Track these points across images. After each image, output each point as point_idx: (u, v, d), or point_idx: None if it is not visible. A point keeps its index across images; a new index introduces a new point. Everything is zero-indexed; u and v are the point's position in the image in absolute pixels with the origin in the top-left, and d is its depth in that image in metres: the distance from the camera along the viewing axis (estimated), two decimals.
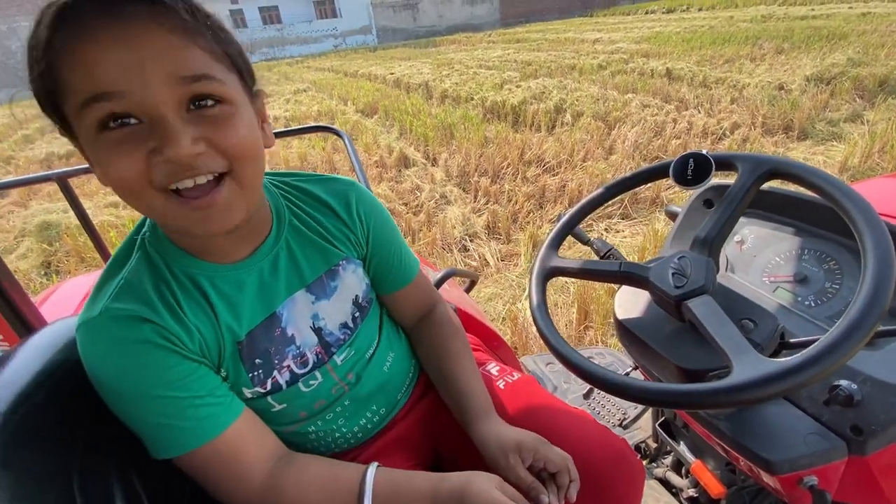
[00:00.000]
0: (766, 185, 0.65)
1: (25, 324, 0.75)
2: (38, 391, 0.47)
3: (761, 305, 0.60)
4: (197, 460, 0.52)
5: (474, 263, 2.96)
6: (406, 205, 3.82)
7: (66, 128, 0.45)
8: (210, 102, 0.44)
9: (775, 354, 0.57)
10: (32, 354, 0.50)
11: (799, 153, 3.95)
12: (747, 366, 0.46)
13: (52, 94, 0.42)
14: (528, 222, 3.29)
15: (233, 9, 27.94)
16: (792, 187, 0.68)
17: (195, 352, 0.53)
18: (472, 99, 6.87)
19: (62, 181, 1.18)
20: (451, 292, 1.24)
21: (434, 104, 7.32)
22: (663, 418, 0.95)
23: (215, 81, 0.44)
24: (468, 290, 1.43)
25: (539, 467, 0.60)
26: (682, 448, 0.89)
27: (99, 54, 0.39)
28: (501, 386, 0.77)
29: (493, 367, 0.83)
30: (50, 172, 1.20)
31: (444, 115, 6.07)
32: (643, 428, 1.26)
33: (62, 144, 7.39)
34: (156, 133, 0.42)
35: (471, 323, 1.09)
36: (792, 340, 0.57)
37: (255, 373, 0.59)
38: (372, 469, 0.56)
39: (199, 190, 0.45)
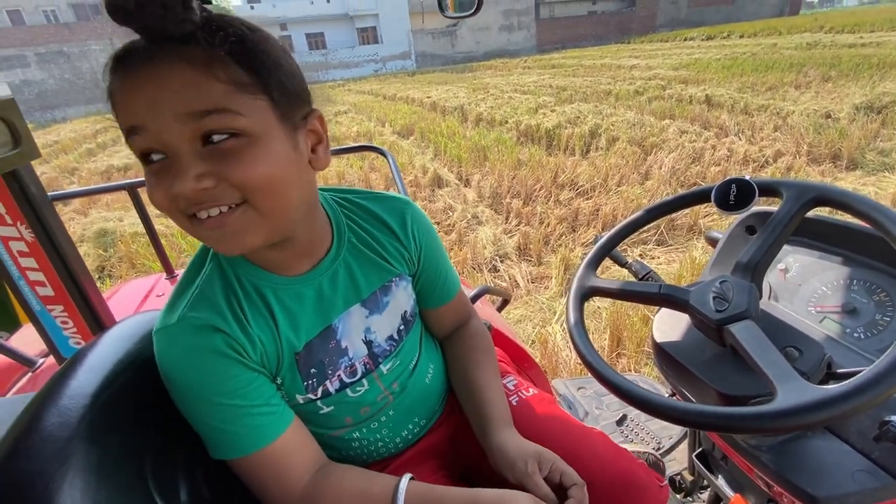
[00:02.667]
0: (811, 213, 0.64)
1: (97, 319, 0.82)
2: (119, 377, 0.52)
3: (806, 334, 0.59)
4: (246, 465, 0.55)
5: (504, 284, 2.96)
6: (438, 224, 3.88)
7: None
8: (224, 136, 0.44)
9: (822, 384, 0.56)
10: (113, 344, 0.56)
11: (848, 183, 3.79)
12: (792, 392, 0.45)
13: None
14: (560, 245, 3.28)
15: (282, 35, 29.70)
16: (839, 215, 0.67)
17: (256, 361, 0.56)
18: (507, 122, 6.96)
19: (132, 190, 1.29)
20: (483, 310, 1.25)
21: (469, 127, 7.46)
22: (700, 449, 0.92)
23: (229, 114, 0.44)
24: (500, 309, 1.44)
25: (555, 480, 0.60)
26: (721, 482, 0.85)
27: (130, 95, 0.43)
28: (514, 402, 0.77)
29: (510, 382, 0.82)
30: (121, 182, 1.31)
31: (478, 138, 6.17)
32: (678, 459, 1.22)
33: (121, 158, 7.93)
34: (172, 168, 0.44)
35: (502, 341, 1.10)
36: (840, 371, 0.56)
37: (310, 381, 0.62)
38: (404, 481, 0.57)
39: (215, 218, 0.46)
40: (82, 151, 9.32)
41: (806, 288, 0.76)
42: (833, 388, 0.44)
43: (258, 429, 0.54)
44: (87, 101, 25.94)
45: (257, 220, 0.47)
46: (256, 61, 0.46)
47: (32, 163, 0.75)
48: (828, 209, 0.62)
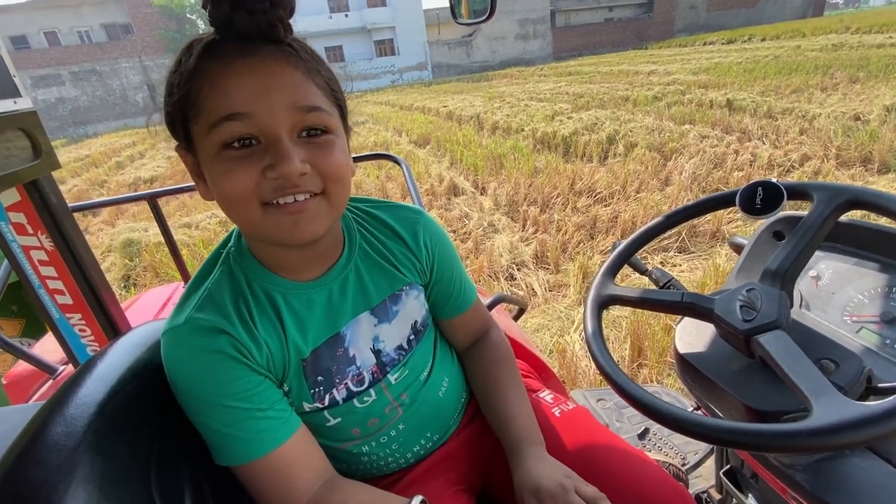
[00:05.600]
0: (845, 217, 0.61)
1: (114, 327, 0.83)
2: (127, 386, 0.52)
3: (842, 345, 0.55)
4: (251, 472, 0.54)
5: (521, 292, 2.93)
6: (454, 232, 3.88)
7: (186, 146, 0.52)
8: (318, 131, 0.51)
9: (862, 399, 0.52)
10: (123, 353, 0.56)
11: (880, 187, 3.64)
12: (830, 408, 0.42)
13: (185, 114, 0.49)
14: (578, 252, 3.23)
15: None
16: (874, 218, 0.63)
17: (262, 365, 0.56)
18: (523, 130, 6.95)
19: (152, 201, 1.32)
20: (500, 319, 1.23)
21: (485, 135, 7.47)
22: (729, 466, 0.87)
23: (324, 113, 0.50)
24: (516, 318, 1.42)
25: None
26: (751, 501, 0.81)
27: (236, 81, 0.46)
28: (557, 413, 0.75)
29: (548, 395, 0.81)
30: (142, 193, 1.34)
31: (494, 146, 6.18)
32: (705, 476, 1.17)
33: (148, 171, 8.19)
34: (271, 152, 0.48)
35: (519, 351, 1.07)
36: (881, 385, 0.52)
37: (316, 389, 0.61)
38: (416, 502, 0.55)
39: (299, 203, 0.50)
40: (111, 165, 9.68)
41: (840, 296, 0.72)
42: (875, 404, 0.40)
43: (263, 433, 0.54)
44: (116, 116, 27.04)
45: (328, 209, 0.53)
46: (331, 76, 0.54)
47: (54, 174, 0.77)
48: (861, 212, 0.58)
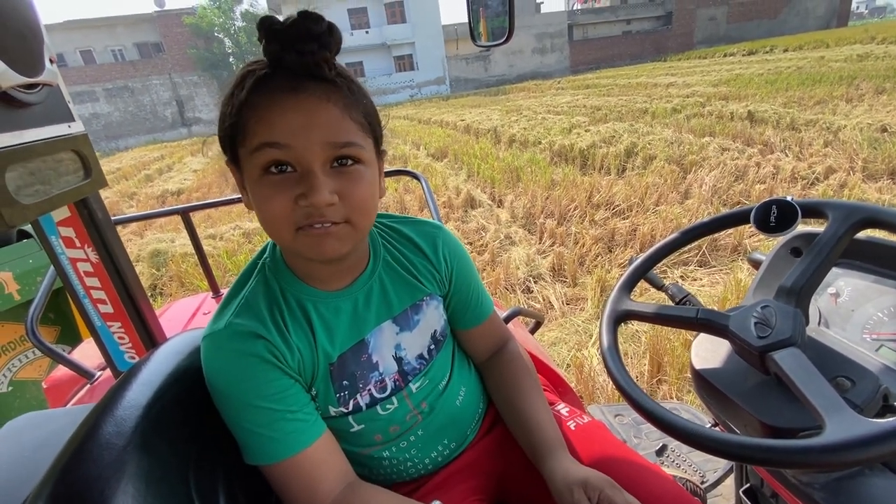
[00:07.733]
0: (864, 234, 0.61)
1: (150, 335, 0.88)
2: (169, 390, 0.55)
3: (860, 363, 0.55)
4: (278, 472, 0.57)
5: (538, 305, 2.92)
6: (471, 244, 3.90)
7: (236, 165, 0.57)
8: (349, 162, 0.55)
9: (878, 417, 0.52)
10: (164, 360, 0.60)
11: None
12: (843, 425, 0.43)
13: (235, 138, 0.54)
14: (596, 266, 3.21)
15: None
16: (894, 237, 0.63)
17: (293, 369, 0.60)
18: (540, 143, 6.97)
19: (185, 215, 1.39)
20: (516, 332, 1.23)
21: (502, 148, 7.52)
22: (748, 485, 0.86)
23: (357, 147, 0.55)
24: (533, 331, 1.42)
25: None
26: None
27: (279, 115, 0.51)
28: (572, 427, 0.76)
29: (563, 409, 0.82)
30: (175, 207, 1.41)
31: (511, 159, 6.21)
32: (725, 495, 1.15)
33: (175, 183, 8.47)
34: (304, 182, 0.52)
35: (536, 364, 1.07)
36: None
37: (342, 393, 0.64)
38: None
39: (326, 227, 0.55)
40: (141, 178, 10.04)
41: (860, 314, 0.71)
42: (888, 421, 0.41)
43: (292, 435, 0.57)
44: (146, 130, 28.13)
45: (352, 232, 0.57)
46: (369, 107, 0.58)
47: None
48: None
